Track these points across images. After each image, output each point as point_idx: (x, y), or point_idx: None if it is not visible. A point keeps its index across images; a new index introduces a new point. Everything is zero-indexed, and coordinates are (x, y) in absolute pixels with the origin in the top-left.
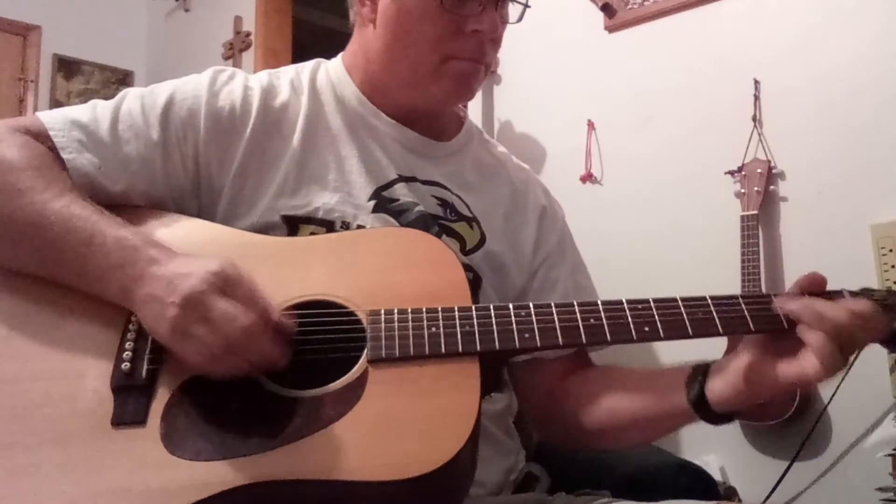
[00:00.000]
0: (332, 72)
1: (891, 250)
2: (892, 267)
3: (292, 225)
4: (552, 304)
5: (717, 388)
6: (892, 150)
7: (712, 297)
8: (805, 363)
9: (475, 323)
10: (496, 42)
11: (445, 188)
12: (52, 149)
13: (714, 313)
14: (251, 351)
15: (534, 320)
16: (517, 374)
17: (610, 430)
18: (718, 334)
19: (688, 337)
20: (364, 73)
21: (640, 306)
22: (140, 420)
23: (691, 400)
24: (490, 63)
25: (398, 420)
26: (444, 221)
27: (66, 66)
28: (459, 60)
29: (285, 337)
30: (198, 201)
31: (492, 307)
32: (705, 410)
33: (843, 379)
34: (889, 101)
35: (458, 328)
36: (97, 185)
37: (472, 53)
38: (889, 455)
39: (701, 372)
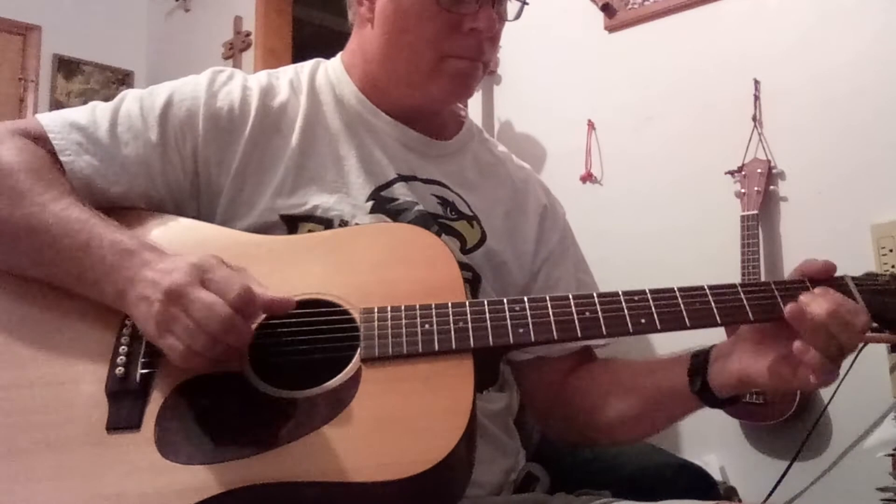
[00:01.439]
0: (331, 71)
1: (891, 250)
2: (893, 267)
3: (291, 224)
4: (547, 298)
5: (719, 377)
6: (892, 150)
7: (710, 287)
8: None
9: (469, 319)
10: (494, 40)
11: (445, 187)
12: (52, 152)
13: (712, 303)
14: (230, 339)
15: (528, 315)
16: (522, 374)
17: (619, 425)
18: (716, 325)
19: (685, 328)
20: (363, 72)
21: (636, 298)
22: (134, 424)
23: (696, 392)
24: (488, 61)
25: (392, 419)
26: (443, 220)
27: (66, 66)
28: (457, 59)
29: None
30: (197, 202)
31: (486, 302)
32: (710, 398)
33: (843, 379)
34: (889, 101)
35: (451, 325)
36: (96, 187)
37: (470, 52)
38: (889, 455)
39: (702, 362)
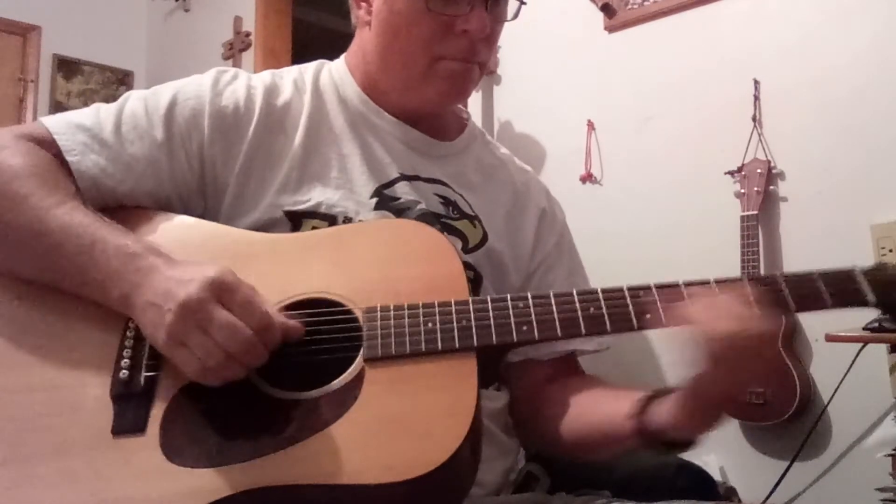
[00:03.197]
0: (334, 72)
1: (891, 250)
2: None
3: (295, 220)
4: (551, 295)
5: (661, 409)
6: (892, 150)
7: (717, 280)
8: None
9: (472, 317)
10: (489, 41)
11: (448, 186)
12: (57, 156)
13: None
14: (248, 361)
15: (532, 312)
16: (509, 375)
17: (570, 441)
18: None
19: None
20: (364, 73)
21: (641, 293)
22: (139, 428)
23: (632, 414)
24: (485, 62)
25: (395, 420)
26: (446, 219)
27: (66, 66)
28: (450, 61)
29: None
30: (204, 199)
31: (489, 300)
32: (648, 433)
33: (843, 379)
34: (889, 101)
35: (454, 323)
36: (103, 187)
37: (463, 53)
38: (889, 455)
39: (661, 392)
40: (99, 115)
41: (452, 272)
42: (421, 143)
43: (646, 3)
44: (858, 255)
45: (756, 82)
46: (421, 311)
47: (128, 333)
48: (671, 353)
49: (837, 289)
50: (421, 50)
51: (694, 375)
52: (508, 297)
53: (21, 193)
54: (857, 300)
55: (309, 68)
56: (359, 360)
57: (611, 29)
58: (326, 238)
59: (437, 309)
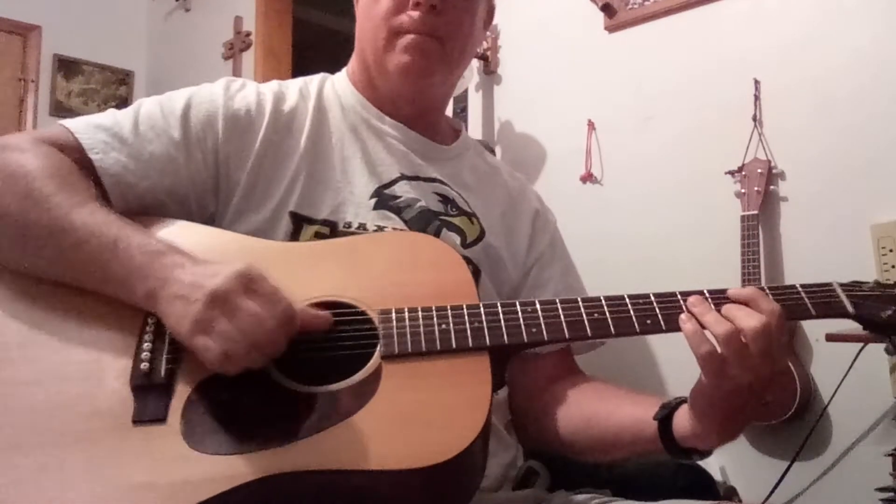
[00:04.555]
0: (336, 83)
1: (891, 250)
2: (893, 267)
3: (297, 222)
4: (557, 301)
5: (684, 414)
6: (892, 150)
7: (710, 291)
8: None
9: (483, 319)
10: (442, 14)
11: (446, 185)
12: (76, 159)
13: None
14: (270, 350)
15: (540, 315)
16: (509, 372)
17: (586, 443)
18: None
19: None
20: (359, 75)
21: (641, 301)
22: (160, 417)
23: (657, 418)
24: (444, 38)
25: (414, 412)
26: (444, 217)
27: (66, 66)
28: (406, 34)
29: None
30: (216, 197)
31: (499, 304)
32: (669, 435)
33: (843, 379)
34: (889, 101)
35: (467, 324)
36: (125, 183)
37: (414, 25)
38: (889, 455)
39: (681, 399)
40: (116, 116)
41: (461, 279)
42: (420, 145)
43: (646, 3)
44: (858, 255)
45: (756, 82)
46: (434, 313)
47: (147, 328)
48: (670, 353)
49: (819, 301)
50: (381, 25)
51: (711, 385)
52: (517, 303)
53: (44, 194)
54: (838, 312)
55: (314, 80)
56: (376, 357)
57: (611, 29)
58: (339, 246)
59: (449, 311)
